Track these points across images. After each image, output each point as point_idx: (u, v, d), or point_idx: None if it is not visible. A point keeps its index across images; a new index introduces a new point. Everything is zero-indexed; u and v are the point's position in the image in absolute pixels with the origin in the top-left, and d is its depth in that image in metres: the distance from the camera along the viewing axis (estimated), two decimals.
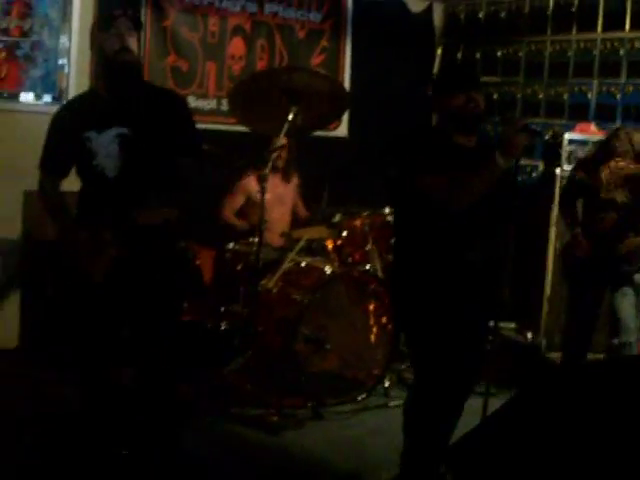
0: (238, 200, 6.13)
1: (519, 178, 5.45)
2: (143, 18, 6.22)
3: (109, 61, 3.65)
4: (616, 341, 5.26)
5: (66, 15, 5.92)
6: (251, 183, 5.91)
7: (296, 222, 6.29)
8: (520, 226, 3.92)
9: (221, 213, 6.11)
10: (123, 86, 3.69)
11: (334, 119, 6.57)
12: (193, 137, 3.86)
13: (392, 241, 5.40)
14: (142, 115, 3.70)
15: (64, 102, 5.05)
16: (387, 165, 3.74)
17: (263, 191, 5.08)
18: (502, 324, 5.60)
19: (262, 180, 5.07)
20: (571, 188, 5.42)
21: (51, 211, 3.84)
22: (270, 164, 5.14)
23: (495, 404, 2.76)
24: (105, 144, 3.68)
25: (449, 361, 3.61)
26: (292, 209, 6.31)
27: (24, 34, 5.79)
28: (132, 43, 3.65)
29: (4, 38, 5.73)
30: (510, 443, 2.43)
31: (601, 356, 5.67)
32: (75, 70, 5.95)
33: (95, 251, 3.63)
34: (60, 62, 5.95)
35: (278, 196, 6.03)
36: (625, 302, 5.19)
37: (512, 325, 6.52)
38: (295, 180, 6.30)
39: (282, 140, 5.50)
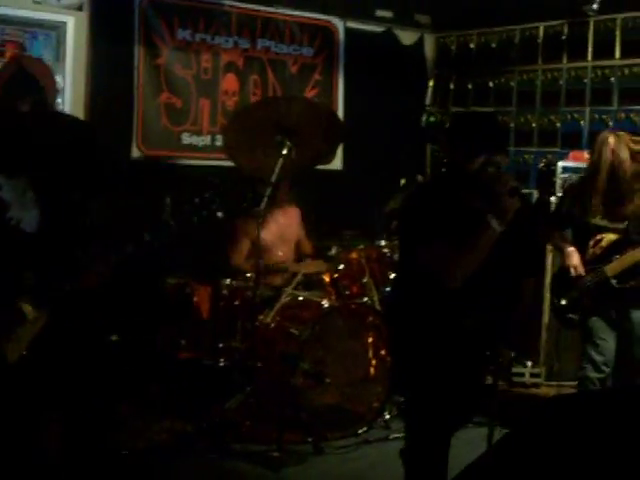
0: (244, 244, 5.81)
1: None
2: (136, 56, 6.28)
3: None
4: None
5: (60, 55, 5.96)
6: (249, 223, 5.56)
7: (299, 258, 6.11)
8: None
9: (231, 261, 5.82)
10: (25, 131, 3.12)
11: (329, 153, 6.56)
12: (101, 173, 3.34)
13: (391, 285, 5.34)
14: (56, 152, 3.16)
15: None
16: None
17: (259, 227, 5.08)
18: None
19: (257, 216, 5.08)
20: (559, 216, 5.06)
21: None
22: (265, 200, 5.13)
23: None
24: (19, 192, 3.10)
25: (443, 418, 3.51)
26: (295, 245, 6.12)
27: None
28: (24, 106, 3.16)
29: None
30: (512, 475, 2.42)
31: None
32: (70, 109, 5.97)
33: (10, 326, 3.02)
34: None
35: (280, 232, 5.92)
36: None
37: (511, 354, 6.49)
38: (296, 214, 6.12)
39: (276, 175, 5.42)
